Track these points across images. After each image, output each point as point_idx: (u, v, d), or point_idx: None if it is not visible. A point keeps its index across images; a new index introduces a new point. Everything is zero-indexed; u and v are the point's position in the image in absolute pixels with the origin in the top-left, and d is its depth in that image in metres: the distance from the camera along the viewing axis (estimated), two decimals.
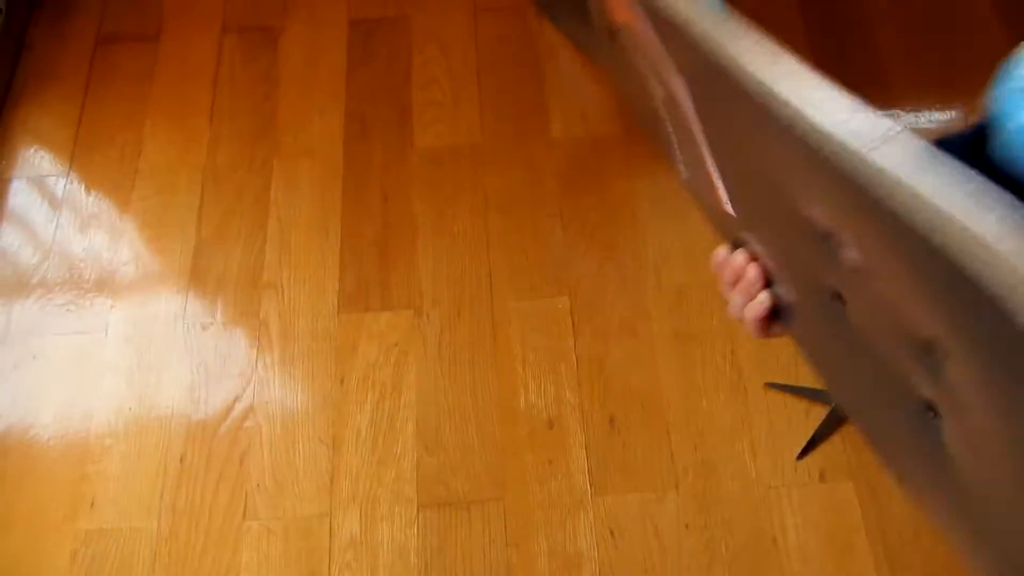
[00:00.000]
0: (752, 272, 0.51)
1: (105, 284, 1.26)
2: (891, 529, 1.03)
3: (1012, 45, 1.49)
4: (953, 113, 1.35)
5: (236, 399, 1.14)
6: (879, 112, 0.33)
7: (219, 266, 1.25)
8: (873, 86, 1.37)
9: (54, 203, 1.34)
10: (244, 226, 1.29)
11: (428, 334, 1.17)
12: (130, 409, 1.14)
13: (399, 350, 1.17)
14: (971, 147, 0.40)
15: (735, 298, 0.52)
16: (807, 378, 1.13)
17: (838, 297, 0.46)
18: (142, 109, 1.42)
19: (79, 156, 1.39)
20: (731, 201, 0.55)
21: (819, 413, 1.09)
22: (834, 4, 1.46)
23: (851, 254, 0.39)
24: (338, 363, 1.16)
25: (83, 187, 1.36)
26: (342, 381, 1.15)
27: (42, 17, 1.52)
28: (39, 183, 1.37)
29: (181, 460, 1.10)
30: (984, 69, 1.50)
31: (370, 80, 1.41)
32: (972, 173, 0.29)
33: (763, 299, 0.50)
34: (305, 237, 1.27)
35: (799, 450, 1.07)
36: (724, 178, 0.55)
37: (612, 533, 1.05)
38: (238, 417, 1.13)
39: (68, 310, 1.23)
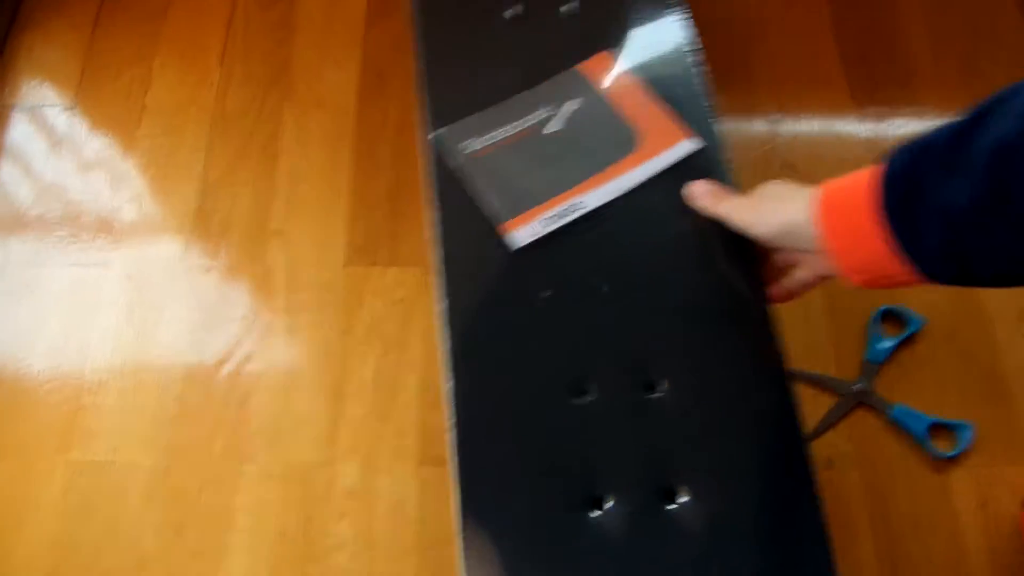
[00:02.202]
0: None
1: (106, 221, 1.22)
2: (894, 520, 1.04)
3: None
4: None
5: (237, 343, 1.12)
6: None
7: (225, 210, 1.23)
8: (899, 85, 1.37)
9: (56, 137, 1.30)
10: (252, 172, 1.26)
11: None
12: (128, 345, 1.12)
13: (405, 306, 1.15)
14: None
15: None
16: (816, 364, 1.13)
17: None
18: (152, 46, 1.39)
19: (84, 89, 1.35)
20: None
21: (826, 401, 1.10)
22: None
23: None
24: (343, 315, 1.14)
25: (87, 122, 1.32)
26: (346, 333, 1.13)
27: None
28: (41, 114, 1.33)
29: (179, 400, 1.08)
30: (1007, 66, 1.51)
31: (390, 34, 1.39)
32: None
33: None
34: (315, 187, 1.24)
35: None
36: None
37: None
38: (239, 362, 1.10)
39: (68, 243, 1.20)
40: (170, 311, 1.14)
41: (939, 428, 1.08)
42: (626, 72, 0.71)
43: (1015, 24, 1.45)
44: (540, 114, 0.69)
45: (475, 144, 0.67)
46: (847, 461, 1.07)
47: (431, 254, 0.63)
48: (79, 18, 1.41)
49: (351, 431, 1.06)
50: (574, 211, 0.63)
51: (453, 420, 0.57)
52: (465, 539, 0.53)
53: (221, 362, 1.10)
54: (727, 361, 0.59)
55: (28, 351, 1.12)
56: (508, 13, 0.75)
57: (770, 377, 0.58)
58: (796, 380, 0.60)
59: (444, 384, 0.59)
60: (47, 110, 1.33)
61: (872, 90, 1.37)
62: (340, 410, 1.07)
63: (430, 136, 0.68)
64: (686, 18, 0.73)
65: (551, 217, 0.63)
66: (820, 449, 1.07)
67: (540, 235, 0.62)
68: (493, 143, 0.67)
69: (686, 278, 0.62)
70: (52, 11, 1.42)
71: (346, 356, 1.11)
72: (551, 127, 0.68)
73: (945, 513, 1.04)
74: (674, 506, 0.54)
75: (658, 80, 0.70)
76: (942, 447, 1.07)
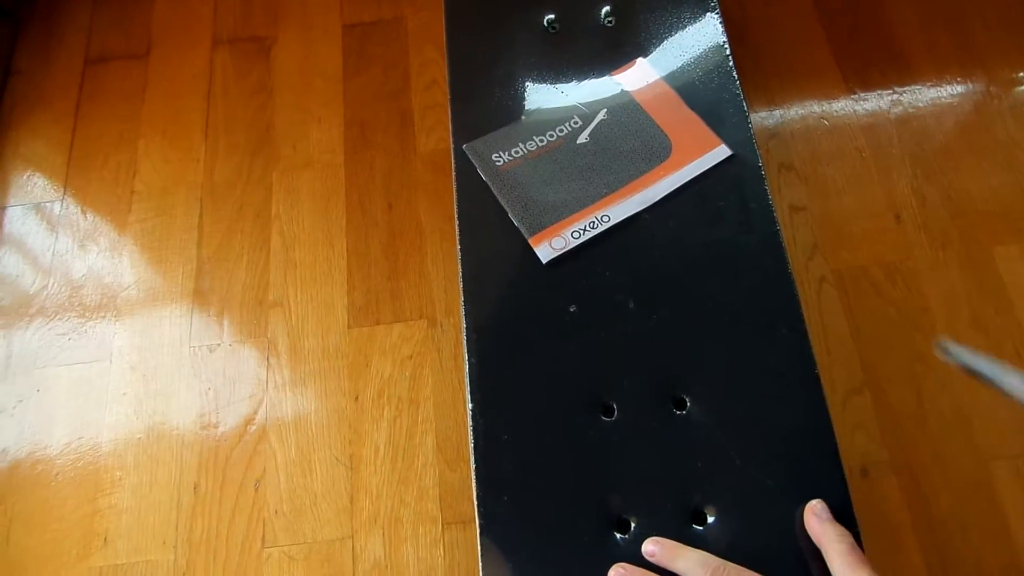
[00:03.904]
0: None
1: (107, 310, 1.22)
2: (939, 524, 0.99)
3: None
4: (972, 80, 1.30)
5: (248, 423, 1.10)
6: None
7: (223, 286, 1.22)
8: (891, 62, 1.33)
9: (51, 229, 1.31)
10: (246, 243, 1.25)
11: (443, 344, 1.13)
12: (139, 439, 1.11)
13: (414, 363, 1.13)
14: None
15: None
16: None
17: None
18: (135, 128, 1.39)
19: (73, 179, 1.35)
20: None
21: None
22: None
23: None
24: (351, 380, 1.12)
25: (79, 211, 1.32)
26: (357, 398, 1.11)
27: (27, 41, 1.48)
28: (34, 209, 1.33)
29: (195, 489, 1.06)
30: (997, 31, 1.46)
31: (368, 85, 1.38)
32: None
33: None
34: (310, 251, 1.23)
35: None
36: None
37: None
38: (251, 441, 1.09)
39: (70, 339, 1.20)
40: (177, 398, 1.13)
41: None
42: (660, 80, 0.71)
43: None
44: (573, 124, 0.68)
45: (506, 155, 0.67)
46: (883, 468, 1.02)
47: (458, 268, 0.62)
48: (61, 110, 1.41)
49: (371, 501, 1.03)
50: (604, 223, 0.63)
51: (474, 440, 0.56)
52: (485, 564, 0.52)
53: (233, 445, 1.09)
54: (758, 377, 0.57)
55: (40, 456, 1.11)
56: (543, 23, 0.75)
57: (803, 393, 0.56)
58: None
59: (467, 404, 0.57)
60: (40, 204, 1.33)
61: (864, 71, 1.33)
62: (358, 480, 1.05)
63: (463, 148, 0.67)
64: (719, 25, 0.73)
65: (580, 229, 0.62)
66: (853, 458, 1.03)
67: (568, 248, 0.62)
68: (525, 154, 0.67)
69: (715, 290, 0.60)
70: (35, 106, 1.42)
71: (359, 423, 1.09)
72: (584, 137, 0.68)
73: (992, 511, 0.99)
74: (701, 528, 0.53)
75: (692, 87, 0.70)
76: None
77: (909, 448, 1.03)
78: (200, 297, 1.21)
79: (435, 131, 1.31)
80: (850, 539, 0.52)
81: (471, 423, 0.56)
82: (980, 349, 0.50)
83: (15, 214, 1.33)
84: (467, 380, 0.58)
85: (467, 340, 0.59)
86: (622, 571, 0.52)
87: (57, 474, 1.09)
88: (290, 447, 1.08)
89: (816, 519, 0.53)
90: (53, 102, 1.42)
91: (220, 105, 1.39)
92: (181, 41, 1.47)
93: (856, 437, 1.05)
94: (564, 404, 0.57)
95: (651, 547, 0.53)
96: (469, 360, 0.59)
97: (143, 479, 1.08)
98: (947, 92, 1.30)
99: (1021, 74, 1.31)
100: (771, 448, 0.54)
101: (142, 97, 1.42)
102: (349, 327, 1.16)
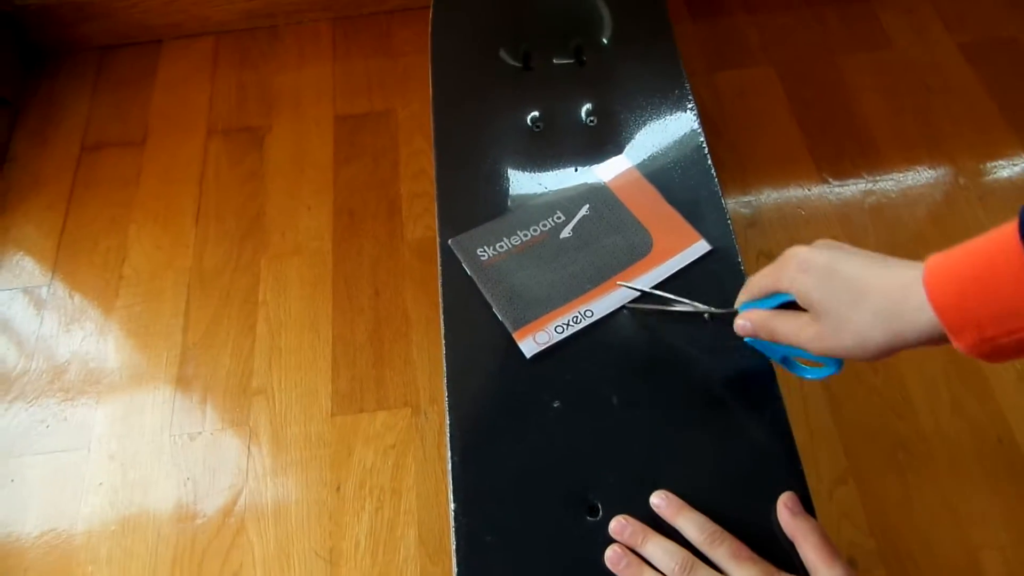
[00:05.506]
0: None
1: (88, 396, 1.21)
2: None
3: (987, 96, 1.52)
4: (942, 171, 1.36)
5: (226, 515, 1.08)
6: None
7: (207, 372, 1.21)
8: (861, 153, 1.39)
9: (37, 311, 1.31)
10: (232, 329, 1.25)
11: (427, 433, 1.13)
12: (113, 531, 1.08)
13: (397, 452, 1.12)
14: None
15: None
16: None
17: None
18: (127, 214, 1.41)
19: (63, 263, 1.36)
20: None
21: None
22: (812, 75, 1.49)
23: None
24: (333, 470, 1.11)
25: (67, 295, 1.32)
26: (338, 488, 1.09)
27: (25, 128, 1.52)
28: (22, 292, 1.33)
29: None
30: (962, 123, 1.53)
31: (358, 174, 1.41)
32: None
33: None
34: (296, 338, 1.23)
35: None
36: None
37: None
38: (229, 534, 1.06)
39: (48, 426, 1.18)
40: (155, 488, 1.11)
41: None
42: (641, 176, 0.73)
43: (963, 72, 1.47)
44: (556, 219, 0.70)
45: (491, 250, 0.68)
46: (871, 558, 1.01)
47: (443, 363, 0.62)
48: (54, 194, 1.44)
49: None
50: (587, 317, 0.64)
51: (456, 541, 0.55)
52: None
53: (210, 538, 1.06)
54: (743, 472, 0.57)
55: (11, 549, 1.08)
56: (527, 121, 0.78)
57: (788, 486, 0.56)
58: None
59: (450, 504, 0.57)
60: (27, 289, 1.34)
61: (837, 161, 1.38)
62: (337, 575, 1.02)
63: (448, 242, 0.69)
64: (697, 125, 0.76)
65: (564, 324, 0.63)
66: (840, 548, 1.01)
67: (552, 342, 0.62)
68: (509, 249, 0.68)
69: (697, 385, 0.61)
70: (29, 191, 1.45)
71: (340, 515, 1.07)
72: (567, 232, 0.69)
73: None
74: None
75: (672, 183, 0.72)
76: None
77: (896, 538, 1.02)
78: (183, 383, 1.20)
79: (422, 219, 1.34)
80: (822, 531, 0.52)
81: (453, 524, 0.56)
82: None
83: (1, 298, 1.33)
84: (450, 479, 0.57)
85: (451, 437, 0.59)
86: (619, 549, 0.53)
87: (27, 569, 1.06)
88: (268, 540, 1.06)
89: (788, 512, 0.54)
90: (47, 187, 1.45)
91: (212, 192, 1.42)
92: (177, 129, 1.51)
93: (843, 527, 1.04)
94: (548, 503, 0.57)
95: (656, 500, 0.55)
96: (452, 459, 0.58)
97: (115, 574, 1.04)
98: (918, 182, 1.35)
99: (986, 164, 1.37)
100: (758, 544, 0.54)
101: (136, 183, 1.44)
102: (333, 415, 1.15)
